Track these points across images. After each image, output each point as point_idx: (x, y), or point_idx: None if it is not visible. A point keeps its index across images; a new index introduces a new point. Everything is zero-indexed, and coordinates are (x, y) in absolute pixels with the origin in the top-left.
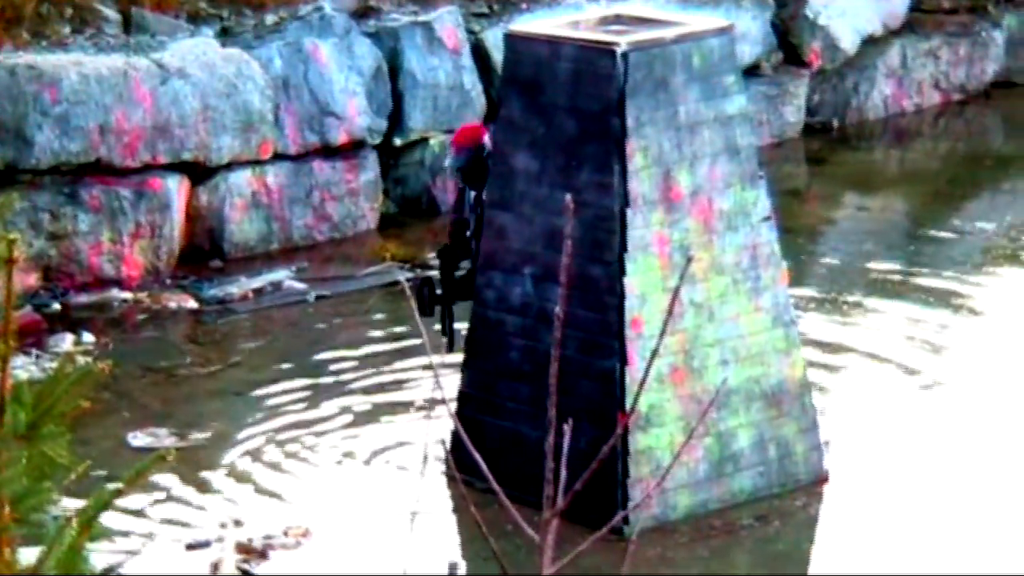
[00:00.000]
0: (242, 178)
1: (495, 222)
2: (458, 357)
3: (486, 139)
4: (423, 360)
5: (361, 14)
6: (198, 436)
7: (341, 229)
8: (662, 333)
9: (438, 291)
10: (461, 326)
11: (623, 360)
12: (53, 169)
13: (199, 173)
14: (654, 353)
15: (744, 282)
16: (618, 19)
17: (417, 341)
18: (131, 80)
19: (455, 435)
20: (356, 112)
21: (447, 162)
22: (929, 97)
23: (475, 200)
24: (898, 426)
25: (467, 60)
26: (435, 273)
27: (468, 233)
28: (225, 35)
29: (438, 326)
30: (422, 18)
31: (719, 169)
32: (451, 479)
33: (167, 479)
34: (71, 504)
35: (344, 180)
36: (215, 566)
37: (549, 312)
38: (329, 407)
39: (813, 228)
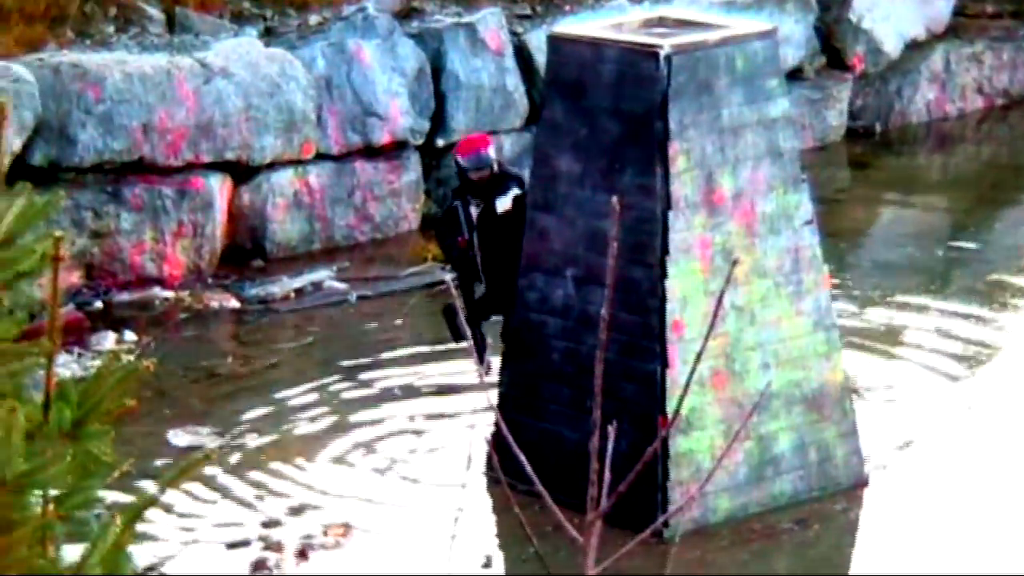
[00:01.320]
0: (284, 178)
1: (537, 224)
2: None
3: (491, 150)
4: (465, 361)
5: (404, 15)
6: (238, 435)
7: (383, 229)
8: (707, 336)
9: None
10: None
11: (664, 363)
12: (96, 167)
13: (241, 172)
14: (698, 356)
15: (786, 286)
16: (661, 22)
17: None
18: (174, 79)
19: (497, 436)
20: (399, 113)
21: (463, 164)
22: (972, 102)
23: (480, 214)
24: (939, 430)
25: (510, 62)
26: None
27: (471, 253)
28: (269, 35)
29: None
30: (465, 19)
31: (762, 172)
32: (493, 480)
33: (207, 478)
34: (115, 501)
35: (386, 180)
36: (256, 565)
37: (591, 314)
38: (370, 407)
39: (855, 232)
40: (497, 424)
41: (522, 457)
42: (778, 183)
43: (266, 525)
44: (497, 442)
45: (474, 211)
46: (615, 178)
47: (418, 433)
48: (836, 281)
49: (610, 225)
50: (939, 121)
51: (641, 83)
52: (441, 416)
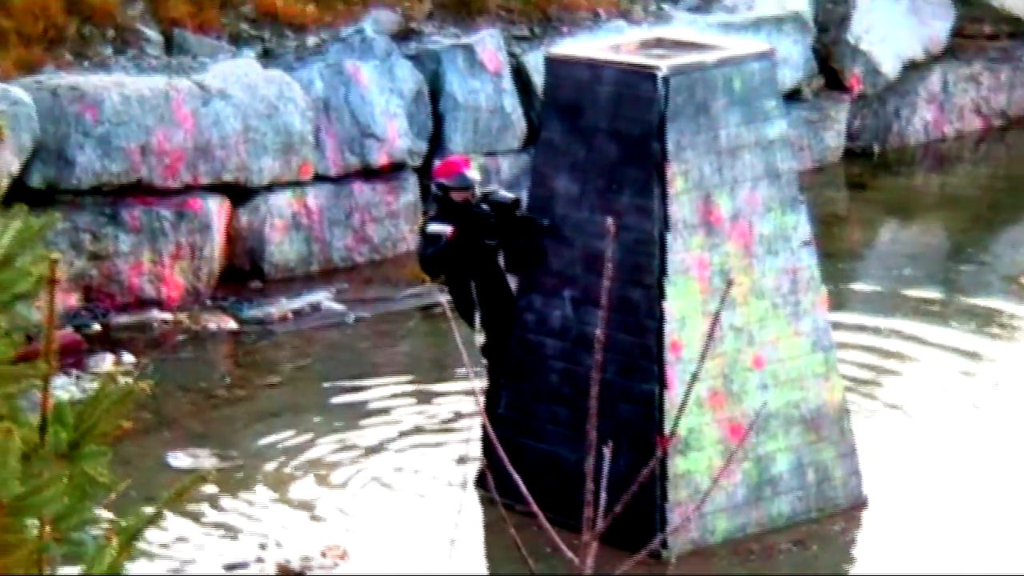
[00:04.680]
0: (282, 199)
1: (535, 245)
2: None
3: (472, 171)
4: (462, 383)
5: (402, 36)
6: (237, 457)
7: (381, 251)
8: (703, 357)
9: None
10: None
11: (662, 383)
12: (94, 189)
13: (239, 194)
14: (694, 377)
15: (784, 306)
16: (659, 43)
17: (456, 363)
18: (172, 101)
19: (494, 457)
20: (396, 134)
21: (447, 184)
22: (970, 122)
23: (453, 234)
24: (938, 451)
25: (508, 83)
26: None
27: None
28: (266, 56)
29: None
30: (463, 41)
31: (759, 193)
32: (489, 501)
33: (206, 499)
34: (111, 524)
35: (384, 202)
36: None
37: (588, 335)
38: (368, 429)
39: (853, 253)
40: (489, 442)
41: (516, 477)
42: (776, 204)
43: (264, 547)
44: (492, 462)
45: (449, 229)
46: (613, 199)
47: (417, 453)
48: (834, 302)
49: (606, 246)
50: (937, 142)
51: (639, 104)
52: (440, 437)
